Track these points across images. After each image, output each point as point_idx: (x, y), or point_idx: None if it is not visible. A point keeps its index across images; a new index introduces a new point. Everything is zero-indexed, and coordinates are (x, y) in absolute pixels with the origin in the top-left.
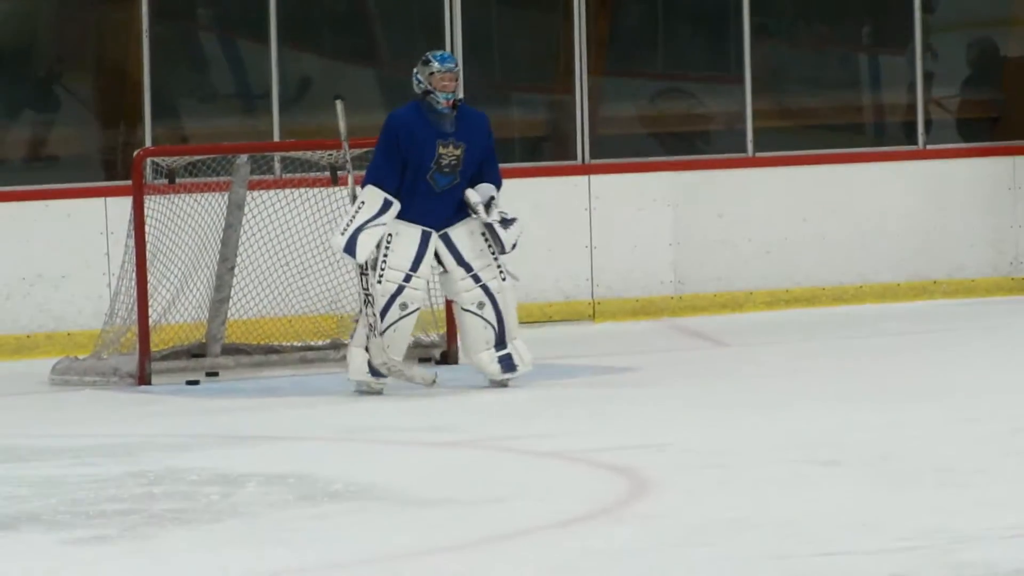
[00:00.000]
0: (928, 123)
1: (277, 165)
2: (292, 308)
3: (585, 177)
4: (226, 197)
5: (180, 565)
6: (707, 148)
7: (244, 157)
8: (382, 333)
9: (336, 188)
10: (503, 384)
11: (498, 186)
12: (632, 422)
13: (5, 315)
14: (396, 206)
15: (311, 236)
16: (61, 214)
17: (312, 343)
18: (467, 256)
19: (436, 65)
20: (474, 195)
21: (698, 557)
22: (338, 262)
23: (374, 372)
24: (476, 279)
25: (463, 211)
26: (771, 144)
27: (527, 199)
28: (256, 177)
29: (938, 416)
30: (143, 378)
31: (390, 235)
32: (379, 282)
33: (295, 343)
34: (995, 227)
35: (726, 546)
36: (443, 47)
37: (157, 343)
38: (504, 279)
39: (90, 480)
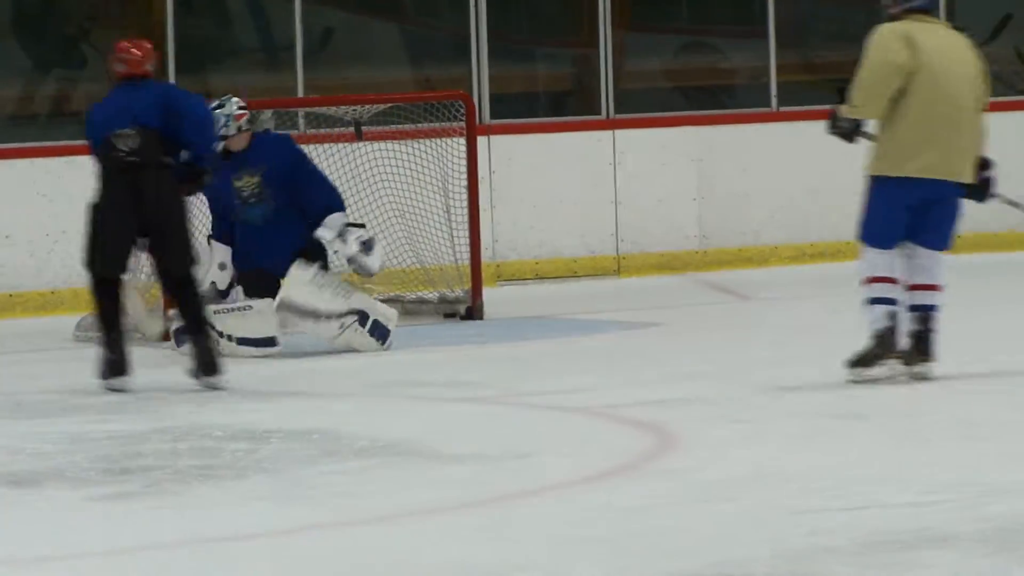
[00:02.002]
0: None
1: (301, 120)
2: None
3: (610, 132)
4: None
5: (205, 521)
6: (731, 103)
7: (268, 112)
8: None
9: (360, 143)
10: (386, 349)
11: (338, 207)
12: (657, 377)
13: (29, 271)
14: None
15: None
16: (86, 170)
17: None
18: (312, 307)
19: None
20: (327, 232)
21: (723, 512)
22: (362, 218)
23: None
24: (328, 317)
25: (295, 246)
26: (795, 98)
27: (552, 154)
28: (280, 132)
29: (961, 370)
30: (167, 334)
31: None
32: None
33: None
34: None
35: (751, 501)
36: (467, 1)
37: None
38: (349, 294)
39: (114, 436)
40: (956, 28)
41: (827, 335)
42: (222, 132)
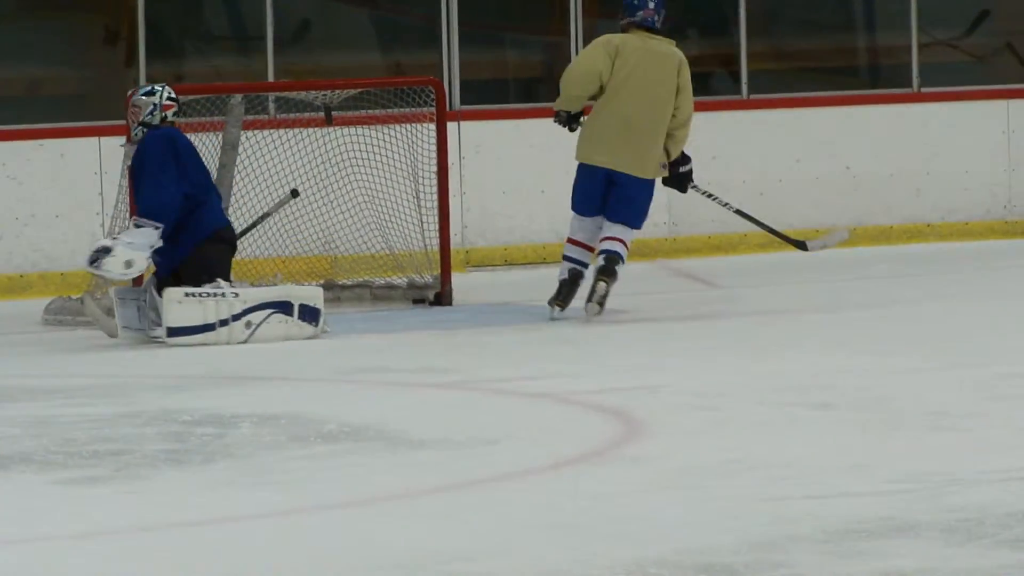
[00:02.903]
0: (922, 66)
1: (271, 105)
2: (285, 249)
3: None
4: (220, 137)
5: (173, 505)
6: (702, 90)
7: (239, 97)
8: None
9: (330, 128)
10: (325, 333)
11: (141, 212)
12: (625, 364)
13: None
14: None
15: (305, 176)
16: (55, 153)
17: (305, 284)
18: (199, 322)
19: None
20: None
21: (690, 499)
22: (332, 203)
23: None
24: (222, 324)
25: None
26: (765, 86)
27: (522, 140)
28: (250, 117)
29: (930, 360)
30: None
31: None
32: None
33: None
34: (988, 171)
35: (718, 488)
36: None
37: None
38: (235, 295)
39: (83, 420)
40: (671, 43)
41: (796, 323)
42: (146, 119)
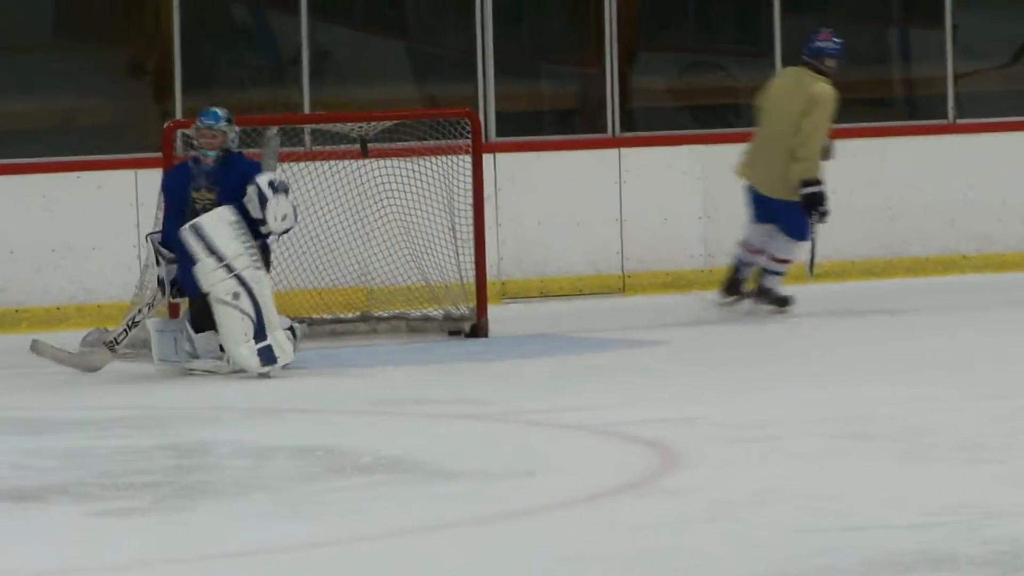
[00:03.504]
0: (958, 97)
1: (307, 137)
2: (322, 281)
3: (615, 150)
4: None
5: (209, 537)
6: (737, 121)
7: (274, 129)
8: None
9: (365, 160)
10: (265, 376)
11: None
12: (662, 395)
13: (35, 287)
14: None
15: (341, 209)
16: (92, 185)
17: (341, 316)
18: (218, 244)
19: (198, 122)
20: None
21: (727, 531)
22: (368, 235)
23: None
24: (229, 268)
25: None
26: None
27: (557, 172)
28: (286, 149)
29: (966, 391)
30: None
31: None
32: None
33: (325, 315)
34: None
35: (755, 520)
36: (473, 18)
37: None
38: (259, 268)
39: (119, 452)
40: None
41: (832, 354)
42: (228, 146)
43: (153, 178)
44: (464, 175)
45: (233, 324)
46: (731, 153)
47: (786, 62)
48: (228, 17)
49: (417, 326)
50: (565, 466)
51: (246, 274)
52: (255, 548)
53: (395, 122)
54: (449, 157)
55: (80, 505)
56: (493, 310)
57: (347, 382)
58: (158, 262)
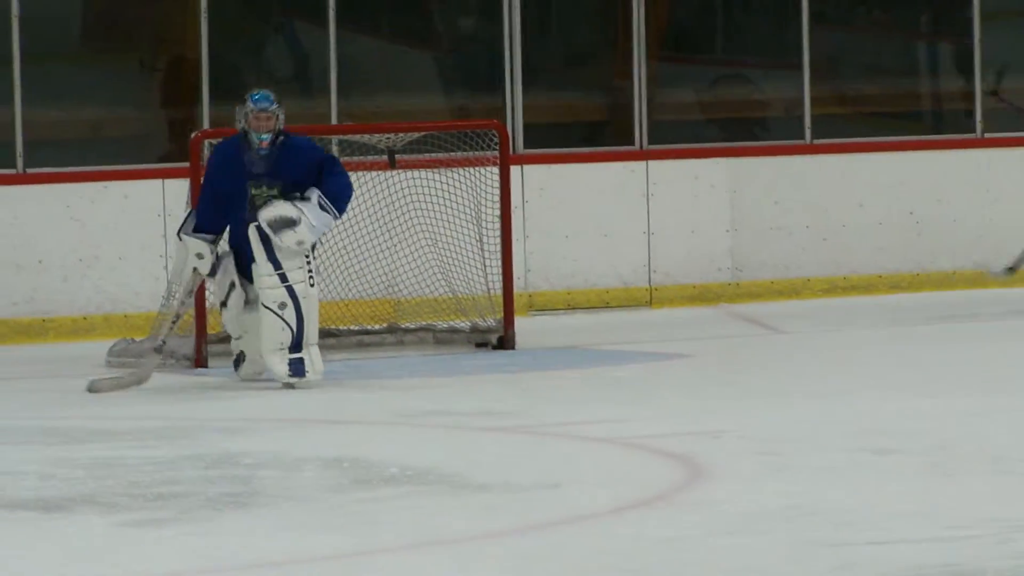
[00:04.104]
0: (985, 111)
1: (335, 148)
2: (349, 292)
3: (643, 163)
4: None
5: (236, 548)
6: (765, 134)
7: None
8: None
9: (393, 171)
10: (290, 387)
11: (330, 196)
12: (688, 409)
13: (62, 296)
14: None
15: (368, 220)
16: (119, 196)
17: (369, 327)
18: (280, 255)
19: (250, 105)
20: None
21: (753, 545)
22: (395, 247)
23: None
24: (283, 278)
25: None
26: (829, 131)
27: (585, 184)
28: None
29: (992, 405)
30: (200, 361)
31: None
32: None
33: (352, 327)
34: None
35: (781, 534)
36: (501, 30)
37: (214, 325)
38: (312, 284)
39: (146, 462)
40: None
41: (857, 368)
42: (278, 127)
43: (180, 188)
44: (492, 187)
45: (273, 332)
46: (759, 166)
47: (814, 75)
48: (255, 28)
49: (444, 338)
50: (591, 478)
51: (298, 288)
52: (281, 559)
53: (423, 133)
54: (477, 169)
55: (107, 515)
56: (520, 322)
57: (374, 394)
58: (204, 260)
